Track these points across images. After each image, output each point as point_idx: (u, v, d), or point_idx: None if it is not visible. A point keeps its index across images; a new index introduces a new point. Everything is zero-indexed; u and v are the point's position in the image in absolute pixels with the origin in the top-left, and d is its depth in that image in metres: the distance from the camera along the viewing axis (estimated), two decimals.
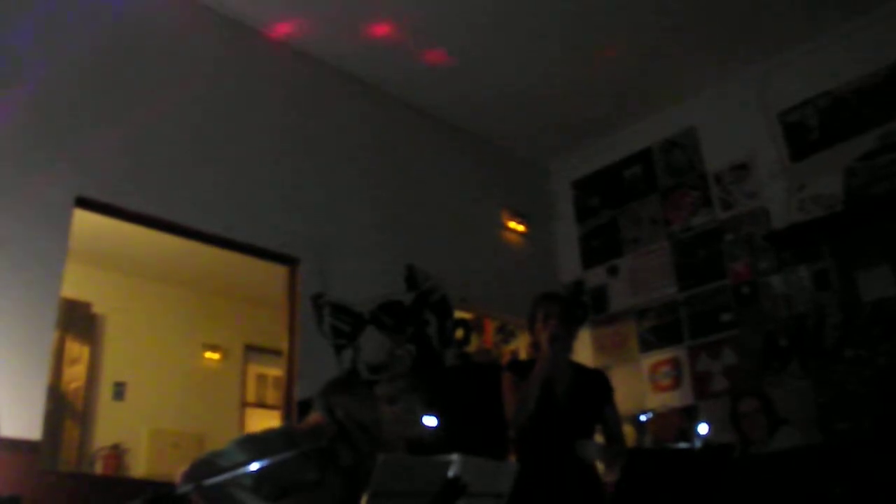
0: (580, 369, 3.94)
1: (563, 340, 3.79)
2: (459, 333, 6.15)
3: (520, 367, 3.89)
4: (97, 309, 7.65)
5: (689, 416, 5.87)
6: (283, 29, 5.55)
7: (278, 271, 5.36)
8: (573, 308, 4.00)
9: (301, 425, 3.25)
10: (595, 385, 3.89)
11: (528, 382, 3.64)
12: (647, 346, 6.37)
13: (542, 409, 3.61)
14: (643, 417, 6.07)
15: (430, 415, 5.00)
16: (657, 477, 2.97)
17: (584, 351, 6.58)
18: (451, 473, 2.18)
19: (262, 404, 8.92)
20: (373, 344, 5.40)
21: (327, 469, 2.86)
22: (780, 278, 5.67)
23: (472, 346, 6.53)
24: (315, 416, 3.18)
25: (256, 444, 2.81)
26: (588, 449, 3.64)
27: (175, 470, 2.76)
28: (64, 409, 7.11)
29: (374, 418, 3.29)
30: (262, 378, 9.08)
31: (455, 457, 2.20)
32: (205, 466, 2.64)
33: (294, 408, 4.80)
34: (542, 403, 3.62)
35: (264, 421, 7.68)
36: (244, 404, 8.77)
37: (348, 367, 5.17)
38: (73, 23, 4.60)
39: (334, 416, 3.06)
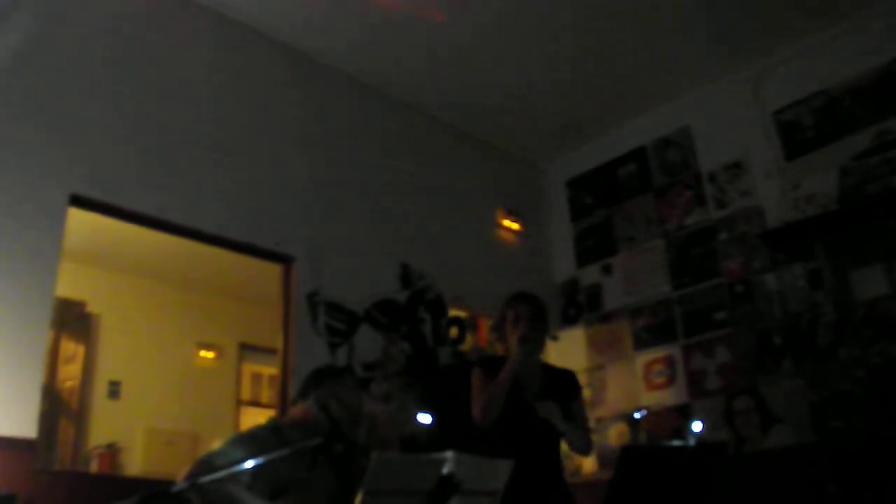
0: (549, 370, 3.94)
1: (533, 342, 3.78)
2: (454, 332, 6.15)
3: (491, 364, 3.89)
4: (92, 308, 7.65)
5: (684, 414, 5.88)
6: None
7: (273, 270, 5.36)
8: (545, 308, 3.98)
9: (287, 419, 3.25)
10: (563, 385, 3.89)
11: (495, 384, 3.64)
12: (641, 344, 6.37)
13: (513, 411, 3.62)
14: (637, 415, 6.08)
15: (425, 412, 5.01)
16: (651, 474, 2.98)
17: (578, 349, 6.60)
18: (445, 471, 2.19)
19: (256, 403, 8.92)
20: (367, 342, 5.41)
21: (318, 463, 2.86)
22: (774, 277, 5.68)
23: (467, 345, 6.52)
24: (301, 409, 3.18)
25: (249, 442, 2.82)
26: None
27: (170, 468, 2.77)
28: (59, 408, 7.11)
29: (362, 402, 3.30)
30: (256, 376, 9.08)
31: (449, 454, 2.21)
32: (203, 467, 2.65)
33: (289, 406, 4.80)
34: (512, 405, 3.62)
35: (259, 419, 7.67)
36: (239, 403, 8.77)
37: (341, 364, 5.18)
38: (71, 20, 4.60)
39: (329, 412, 3.07)
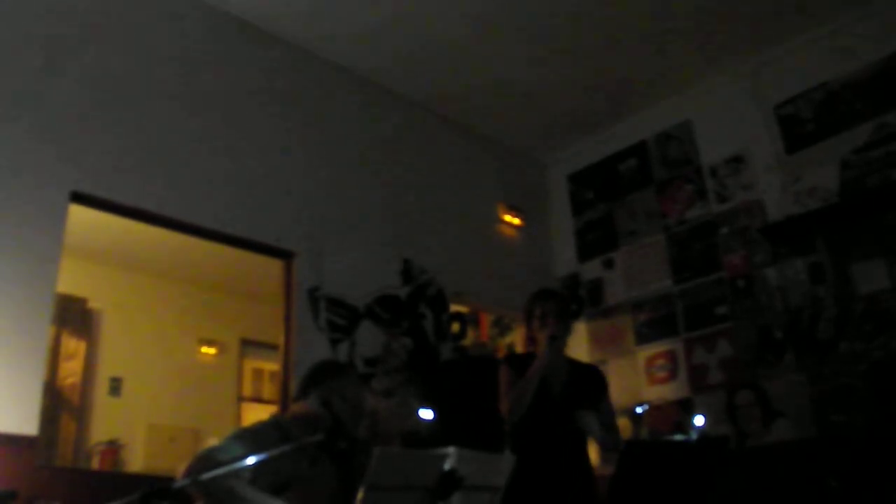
0: (575, 365, 3.97)
1: (562, 339, 3.81)
2: (455, 327, 6.16)
3: (517, 361, 3.91)
4: (93, 304, 7.65)
5: (685, 408, 5.88)
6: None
7: (274, 266, 5.36)
8: (569, 305, 4.02)
9: (289, 415, 3.25)
10: (590, 381, 3.92)
11: (525, 380, 3.66)
12: (642, 339, 6.37)
13: (539, 406, 3.63)
14: (639, 410, 6.08)
15: (426, 408, 5.02)
16: (653, 469, 2.98)
17: (580, 344, 6.59)
18: (447, 467, 2.19)
19: (258, 399, 8.92)
20: (369, 338, 5.41)
21: (319, 460, 2.86)
22: (775, 271, 5.67)
23: (468, 340, 6.53)
24: (302, 405, 3.17)
25: (251, 438, 2.81)
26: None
27: (172, 465, 2.77)
28: (60, 405, 7.11)
29: (365, 397, 3.29)
30: (258, 372, 9.09)
31: (451, 450, 2.21)
32: (203, 462, 2.65)
33: (290, 402, 4.80)
34: (539, 400, 3.64)
35: (261, 415, 7.68)
36: (240, 399, 8.77)
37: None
38: (70, 17, 4.59)
39: (331, 408, 3.06)
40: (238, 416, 8.51)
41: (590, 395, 3.83)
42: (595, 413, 3.73)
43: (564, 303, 3.97)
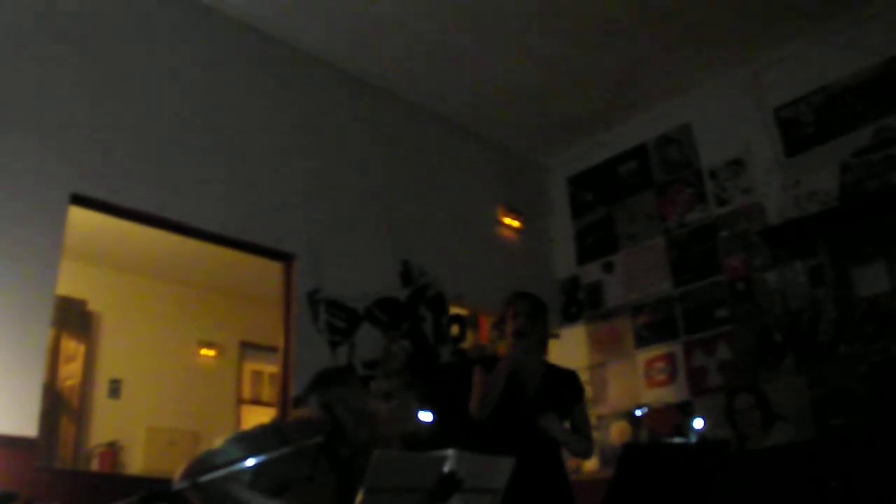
0: (552, 369, 3.97)
1: (529, 337, 3.81)
2: (455, 329, 6.15)
3: (491, 362, 3.92)
4: (93, 306, 7.65)
5: (685, 411, 5.88)
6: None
7: (274, 268, 5.36)
8: (543, 306, 4.02)
9: (290, 420, 3.25)
10: (565, 385, 3.92)
11: (492, 377, 3.68)
12: (642, 341, 6.37)
13: (513, 407, 3.64)
14: (638, 413, 6.08)
15: (426, 410, 5.02)
16: (652, 472, 2.98)
17: (579, 347, 6.60)
18: (446, 469, 2.19)
19: (257, 401, 8.92)
20: (368, 340, 5.41)
21: (319, 463, 2.85)
22: (775, 274, 5.67)
23: (468, 343, 6.52)
24: (305, 411, 3.17)
25: (250, 441, 2.81)
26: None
27: (171, 467, 2.76)
28: (60, 407, 7.11)
29: (368, 407, 3.29)
30: (257, 375, 9.09)
31: (450, 452, 2.21)
32: (201, 465, 2.65)
33: (290, 404, 4.81)
34: (513, 401, 3.65)
35: (260, 418, 7.68)
36: (240, 401, 8.77)
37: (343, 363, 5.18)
38: (67, 18, 4.59)
39: (333, 413, 3.06)
40: (237, 419, 8.51)
41: (565, 398, 3.84)
42: (558, 416, 3.72)
43: (536, 303, 3.98)
